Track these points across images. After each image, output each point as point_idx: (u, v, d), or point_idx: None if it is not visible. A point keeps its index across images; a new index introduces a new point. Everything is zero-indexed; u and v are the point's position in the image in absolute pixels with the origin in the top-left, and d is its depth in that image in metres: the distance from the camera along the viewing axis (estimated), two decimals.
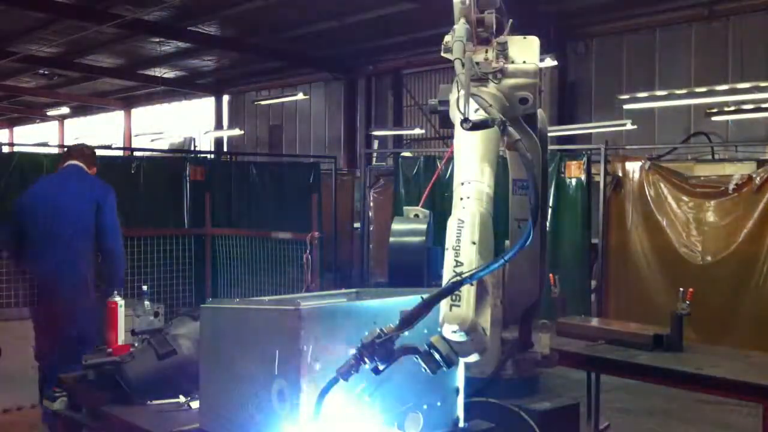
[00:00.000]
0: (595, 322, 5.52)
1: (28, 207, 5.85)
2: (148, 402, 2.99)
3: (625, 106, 12.60)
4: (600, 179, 7.94)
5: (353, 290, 2.91)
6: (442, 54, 2.83)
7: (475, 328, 2.09)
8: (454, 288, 2.08)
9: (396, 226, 3.37)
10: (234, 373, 2.41)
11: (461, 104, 2.29)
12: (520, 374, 3.12)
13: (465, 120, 2.25)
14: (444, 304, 2.10)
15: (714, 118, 11.88)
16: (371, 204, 11.36)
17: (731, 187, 7.11)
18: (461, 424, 2.57)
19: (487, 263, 2.14)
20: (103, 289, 5.96)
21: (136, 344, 3.42)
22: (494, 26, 2.75)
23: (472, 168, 2.43)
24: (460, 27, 2.70)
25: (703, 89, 11.66)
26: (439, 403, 2.50)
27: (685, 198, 7.44)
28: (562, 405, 3.03)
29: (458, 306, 2.09)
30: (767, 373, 4.08)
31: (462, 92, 2.35)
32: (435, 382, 2.46)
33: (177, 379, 3.02)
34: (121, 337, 3.64)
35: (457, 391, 2.57)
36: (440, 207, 8.73)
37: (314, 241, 6.89)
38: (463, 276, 2.09)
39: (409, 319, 2.08)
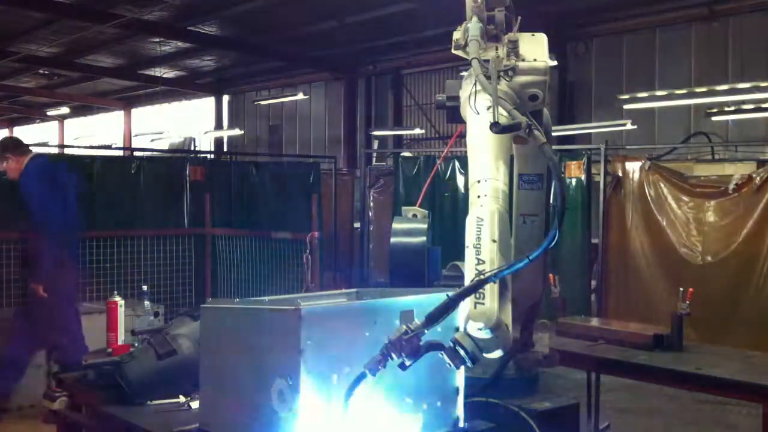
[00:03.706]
0: (595, 322, 5.51)
1: (62, 194, 6.05)
2: (148, 402, 2.99)
3: (625, 106, 12.60)
4: (600, 179, 7.94)
5: (353, 290, 2.91)
6: (453, 51, 2.84)
7: (500, 325, 2.13)
8: (479, 285, 2.12)
9: (397, 225, 3.37)
10: (234, 373, 2.42)
11: (473, 103, 2.29)
12: (521, 374, 3.12)
13: (495, 124, 2.28)
14: (468, 301, 2.14)
15: (714, 118, 11.88)
16: (371, 204, 11.35)
17: (731, 187, 7.11)
18: (461, 424, 2.57)
19: (510, 261, 2.17)
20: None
21: (136, 344, 3.43)
22: (504, 24, 2.77)
23: (487, 165, 2.45)
24: (474, 25, 2.72)
25: (703, 89, 11.65)
26: (439, 403, 2.50)
27: (685, 198, 7.44)
28: (562, 405, 3.03)
29: (483, 303, 2.13)
30: (767, 373, 4.08)
31: (474, 89, 2.37)
32: (435, 382, 2.46)
33: (177, 379, 3.02)
34: (121, 337, 3.64)
35: (457, 391, 2.57)
36: (439, 207, 8.77)
37: (314, 241, 6.89)
38: (488, 274, 2.13)
39: (435, 316, 2.13)
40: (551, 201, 3.26)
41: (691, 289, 4.71)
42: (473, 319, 2.11)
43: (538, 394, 3.10)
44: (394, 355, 2.10)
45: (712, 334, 6.63)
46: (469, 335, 2.13)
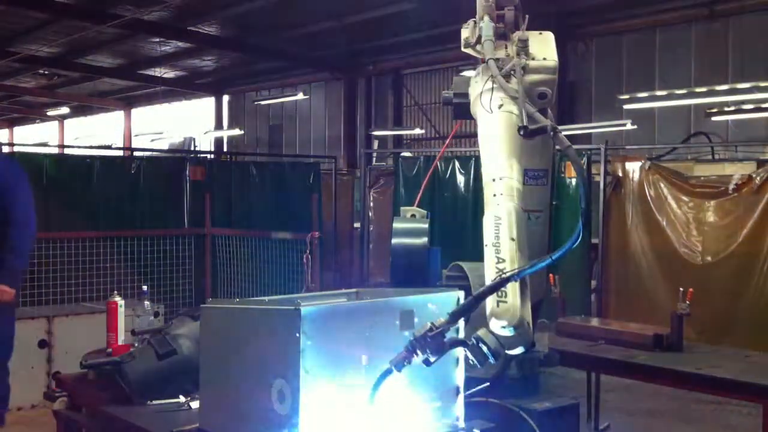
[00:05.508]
0: (595, 322, 5.52)
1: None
2: (148, 402, 2.99)
3: (625, 106, 12.60)
4: (600, 179, 7.94)
5: (353, 290, 2.91)
6: (462, 49, 2.84)
7: (522, 323, 2.15)
8: (502, 284, 2.15)
9: (398, 225, 3.36)
10: (234, 373, 2.42)
11: (486, 102, 2.27)
12: (522, 374, 3.12)
13: (523, 128, 2.31)
14: (491, 299, 2.16)
15: (714, 118, 11.87)
16: (371, 204, 11.35)
17: (731, 187, 7.12)
18: (461, 424, 2.57)
19: (532, 261, 2.19)
20: None
21: (136, 344, 3.43)
22: (512, 22, 2.79)
23: (501, 164, 2.46)
24: (487, 25, 2.74)
25: (703, 89, 11.65)
26: (439, 403, 2.50)
27: (685, 198, 7.44)
28: (562, 405, 3.03)
29: (505, 302, 2.15)
30: (767, 373, 4.08)
31: (491, 86, 2.37)
32: (435, 382, 2.46)
33: (177, 379, 3.02)
34: (121, 337, 3.64)
35: (457, 390, 2.57)
36: (439, 207, 8.76)
37: (314, 241, 6.89)
38: (509, 273, 2.16)
39: (458, 314, 2.17)
40: (552, 201, 3.26)
41: (691, 289, 4.71)
42: (496, 316, 2.14)
43: (538, 394, 3.10)
44: (419, 352, 2.13)
45: (712, 334, 6.64)
46: (491, 332, 2.15)
